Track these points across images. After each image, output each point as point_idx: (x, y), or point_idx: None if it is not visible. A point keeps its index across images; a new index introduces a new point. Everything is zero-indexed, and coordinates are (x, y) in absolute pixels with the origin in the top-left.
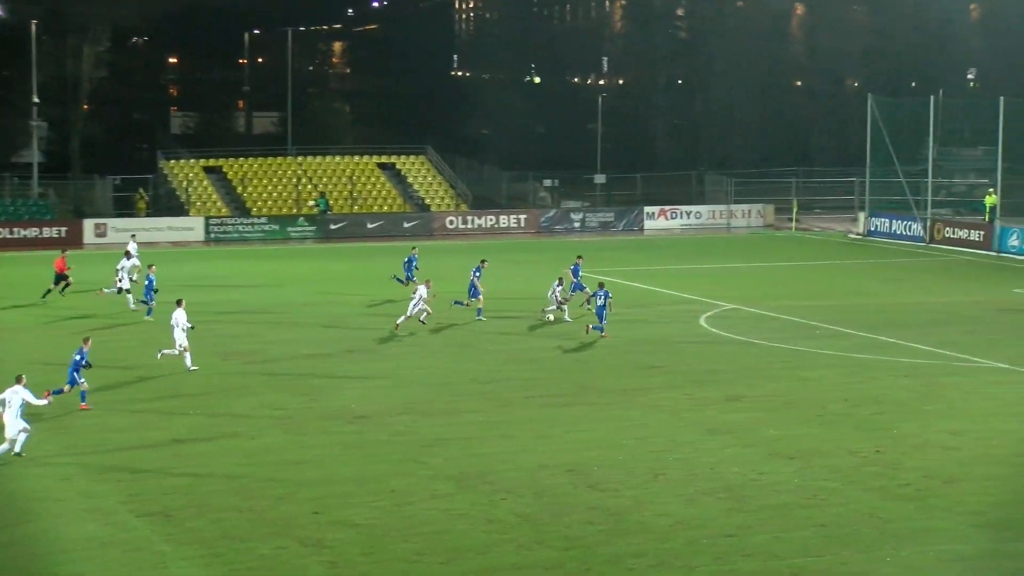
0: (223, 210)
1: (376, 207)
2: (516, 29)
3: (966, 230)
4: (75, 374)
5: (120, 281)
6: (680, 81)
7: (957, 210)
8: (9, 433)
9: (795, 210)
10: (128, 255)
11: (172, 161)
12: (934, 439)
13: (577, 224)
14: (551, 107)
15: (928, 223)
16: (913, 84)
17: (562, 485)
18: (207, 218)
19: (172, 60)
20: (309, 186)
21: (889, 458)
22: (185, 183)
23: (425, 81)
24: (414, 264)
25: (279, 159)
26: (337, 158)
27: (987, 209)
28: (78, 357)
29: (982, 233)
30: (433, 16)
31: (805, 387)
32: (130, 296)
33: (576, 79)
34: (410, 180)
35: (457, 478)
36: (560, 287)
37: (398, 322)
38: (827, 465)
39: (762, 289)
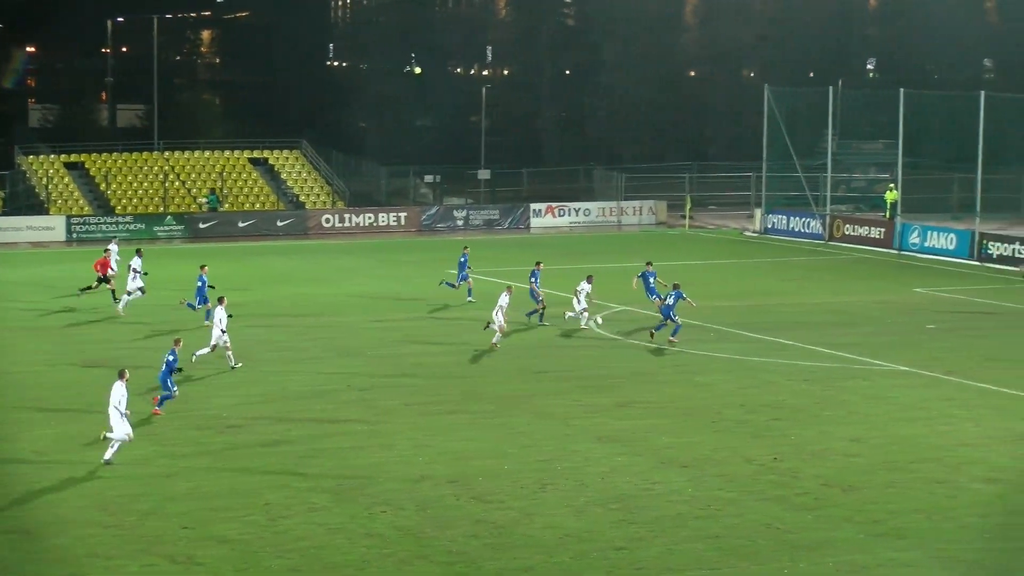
0: (85, 208)
1: (248, 205)
2: (396, 17)
3: (866, 227)
4: (168, 378)
5: (133, 280)
6: (568, 72)
7: (857, 206)
8: (117, 434)
9: (688, 207)
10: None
11: (30, 156)
12: (833, 446)
13: (460, 222)
14: (433, 99)
15: (827, 220)
16: (811, 74)
17: (445, 497)
18: (68, 217)
19: (30, 49)
20: (177, 183)
21: (787, 466)
22: (44, 180)
23: (300, 72)
24: (467, 265)
25: (145, 154)
26: (206, 153)
27: (888, 205)
28: (171, 358)
29: (883, 230)
30: (308, 3)
31: (699, 392)
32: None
33: (459, 70)
34: (284, 176)
35: (335, 490)
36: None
37: (493, 341)
38: (722, 474)
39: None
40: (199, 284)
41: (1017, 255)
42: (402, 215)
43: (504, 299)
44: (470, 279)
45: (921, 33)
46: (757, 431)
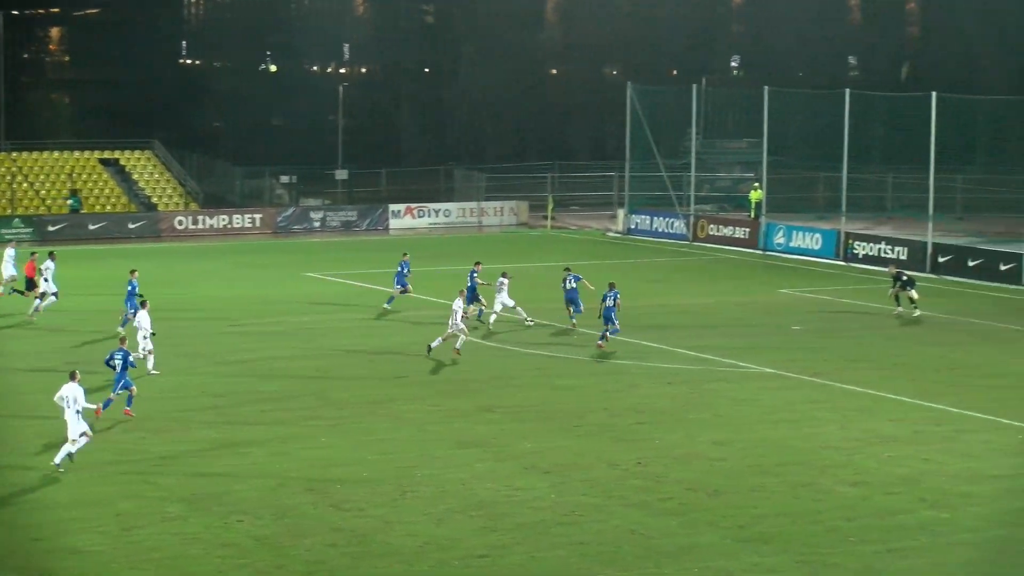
0: None
1: (99, 207)
2: (250, 14)
3: (731, 227)
4: (125, 375)
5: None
6: (427, 69)
7: (721, 206)
8: (71, 433)
9: (551, 207)
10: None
11: None
12: (698, 449)
13: (317, 224)
14: (288, 97)
15: (691, 220)
16: (675, 72)
17: (303, 505)
18: None
19: None
20: (25, 184)
21: (651, 471)
22: None
23: (152, 70)
24: (405, 271)
25: None
26: (55, 154)
27: (752, 205)
28: (129, 356)
29: (747, 230)
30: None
31: (562, 396)
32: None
33: (315, 67)
34: (135, 177)
35: (189, 499)
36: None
37: (432, 345)
38: (586, 479)
39: (515, 292)
40: (129, 289)
41: (883, 255)
42: (257, 217)
43: (458, 303)
44: (409, 286)
45: (785, 30)
46: (621, 435)
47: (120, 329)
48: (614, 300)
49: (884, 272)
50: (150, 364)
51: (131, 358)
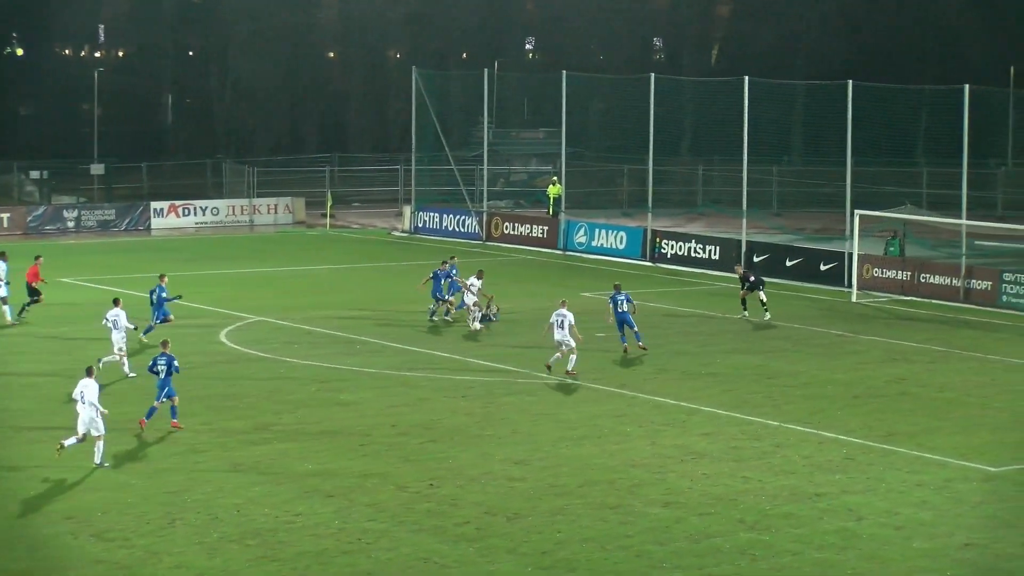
0: None
1: None
2: None
3: (528, 225)
4: (169, 382)
5: None
6: (192, 53)
7: (517, 202)
8: (81, 428)
9: (330, 204)
10: None
11: None
12: (496, 469)
13: (71, 223)
14: (38, 84)
15: (484, 218)
16: (464, 55)
17: (61, 535)
18: None
19: None
20: None
21: (444, 493)
22: None
23: None
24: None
25: None
26: None
27: (551, 201)
28: (174, 362)
29: (546, 228)
30: None
31: (345, 412)
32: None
33: (68, 51)
34: None
35: None
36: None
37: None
38: (372, 503)
39: (293, 298)
40: (156, 297)
41: (694, 254)
42: (4, 216)
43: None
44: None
45: (584, 10)
46: (410, 454)
47: (144, 337)
48: (628, 302)
49: (694, 273)
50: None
51: (175, 364)
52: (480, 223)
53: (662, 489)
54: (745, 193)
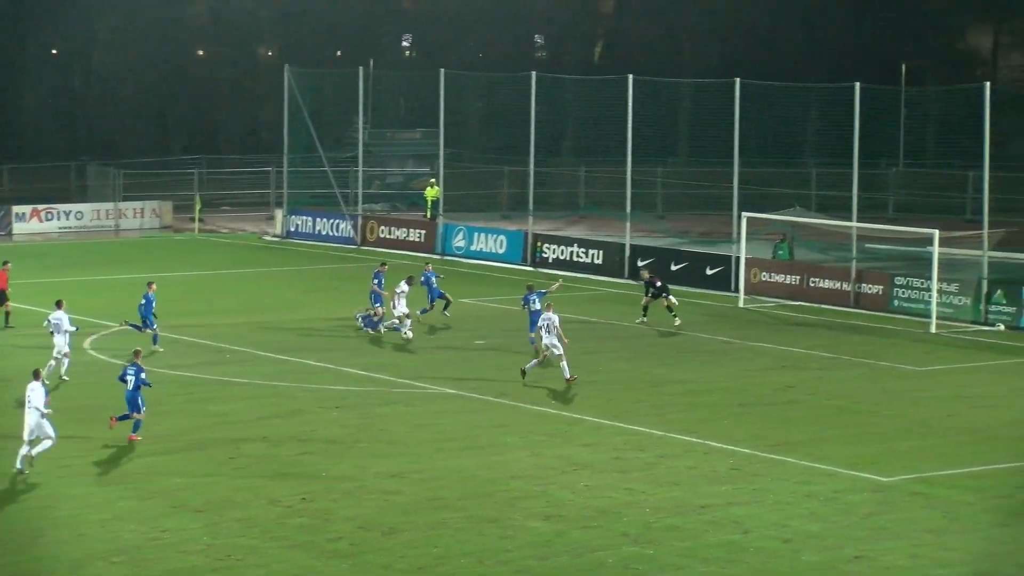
0: None
1: None
2: None
3: (405, 229)
4: (139, 396)
5: None
6: (55, 51)
7: (394, 205)
8: (27, 434)
9: (198, 208)
10: None
11: None
12: (371, 483)
13: None
14: None
15: (359, 221)
16: (339, 53)
17: None
18: None
19: None
20: None
21: (318, 507)
22: None
23: None
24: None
25: None
26: None
27: (428, 204)
28: (142, 375)
29: (423, 232)
30: None
31: (215, 424)
32: None
33: None
34: None
35: None
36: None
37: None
38: (243, 518)
39: (160, 305)
40: (144, 303)
41: (576, 258)
42: None
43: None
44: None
45: (461, 6)
46: (282, 468)
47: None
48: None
49: (576, 278)
50: (64, 368)
51: (143, 376)
52: (355, 227)
53: (543, 502)
54: (629, 195)
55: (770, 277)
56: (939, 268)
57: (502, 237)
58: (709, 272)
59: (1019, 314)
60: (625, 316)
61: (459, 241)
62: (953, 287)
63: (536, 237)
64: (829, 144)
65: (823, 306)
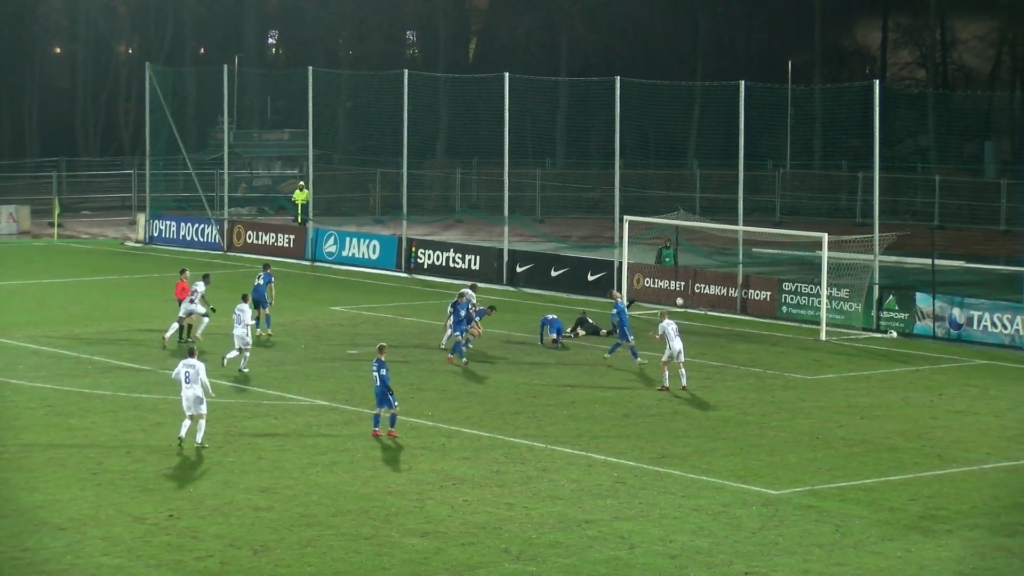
0: None
1: None
2: None
3: (273, 234)
4: (388, 392)
5: None
6: None
7: (261, 208)
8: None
9: (56, 212)
10: None
11: None
12: (239, 499)
13: None
14: None
15: (225, 226)
16: (202, 50)
17: None
18: None
19: None
20: None
21: (184, 525)
22: None
23: None
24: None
25: None
26: None
27: (298, 207)
28: (384, 371)
29: (292, 237)
30: None
31: (76, 438)
32: None
33: None
34: None
35: None
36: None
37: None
38: (106, 536)
39: (17, 315)
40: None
41: (452, 264)
42: None
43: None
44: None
45: (330, 0)
46: (146, 483)
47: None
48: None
49: (453, 284)
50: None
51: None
52: (221, 232)
53: (420, 518)
54: (507, 198)
55: (653, 283)
56: (829, 273)
57: (375, 242)
58: (591, 278)
59: (911, 321)
60: (504, 324)
61: (330, 247)
62: (843, 293)
63: (410, 242)
64: (713, 145)
65: (709, 313)
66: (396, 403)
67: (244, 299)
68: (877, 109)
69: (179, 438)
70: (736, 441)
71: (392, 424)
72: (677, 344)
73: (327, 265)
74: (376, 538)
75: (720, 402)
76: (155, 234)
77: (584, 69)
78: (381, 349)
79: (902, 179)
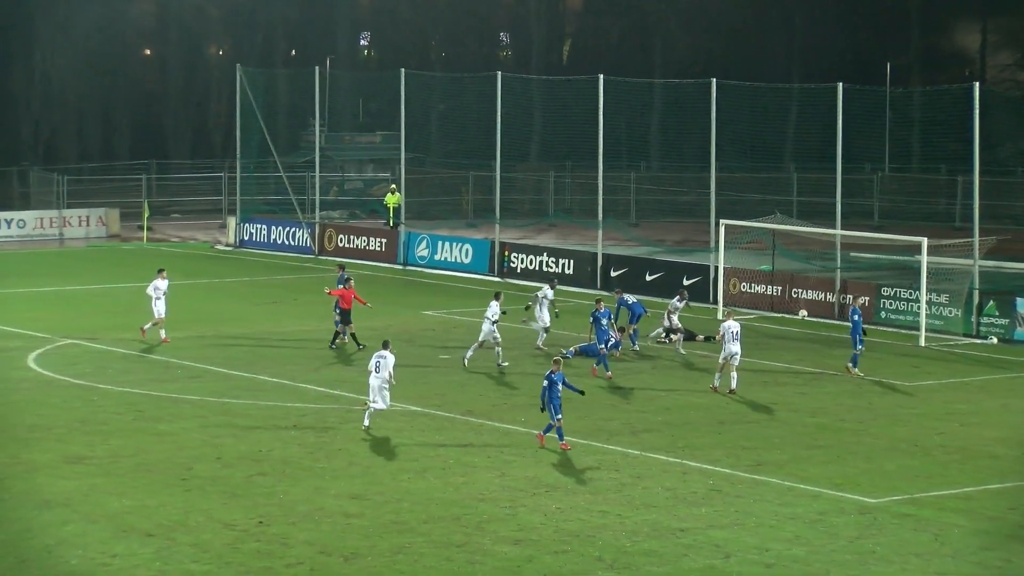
0: None
1: None
2: None
3: (364, 237)
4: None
5: None
6: None
7: (353, 212)
8: (371, 398)
9: (146, 215)
10: None
11: None
12: (330, 505)
13: None
14: None
15: (316, 229)
16: (293, 52)
17: None
18: None
19: None
20: None
21: (274, 531)
22: None
23: None
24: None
25: None
26: None
27: (390, 211)
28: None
29: (384, 241)
30: None
31: (164, 444)
32: None
33: None
34: None
35: None
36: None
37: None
38: (196, 543)
39: (107, 318)
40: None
41: (546, 268)
42: None
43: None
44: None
45: (421, 3)
46: (236, 489)
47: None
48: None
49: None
50: (500, 357)
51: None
52: (312, 235)
53: (512, 525)
54: (600, 201)
55: (750, 288)
56: (928, 278)
57: (467, 246)
58: (686, 282)
59: (1012, 326)
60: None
61: (422, 251)
62: (943, 298)
63: (503, 246)
64: (811, 148)
65: (807, 318)
66: (559, 416)
67: (497, 297)
68: (976, 112)
69: (364, 427)
70: (832, 448)
71: (558, 436)
72: (733, 347)
73: (419, 269)
74: (468, 545)
75: (817, 409)
76: (245, 237)
77: (679, 71)
78: (556, 362)
79: (1002, 183)
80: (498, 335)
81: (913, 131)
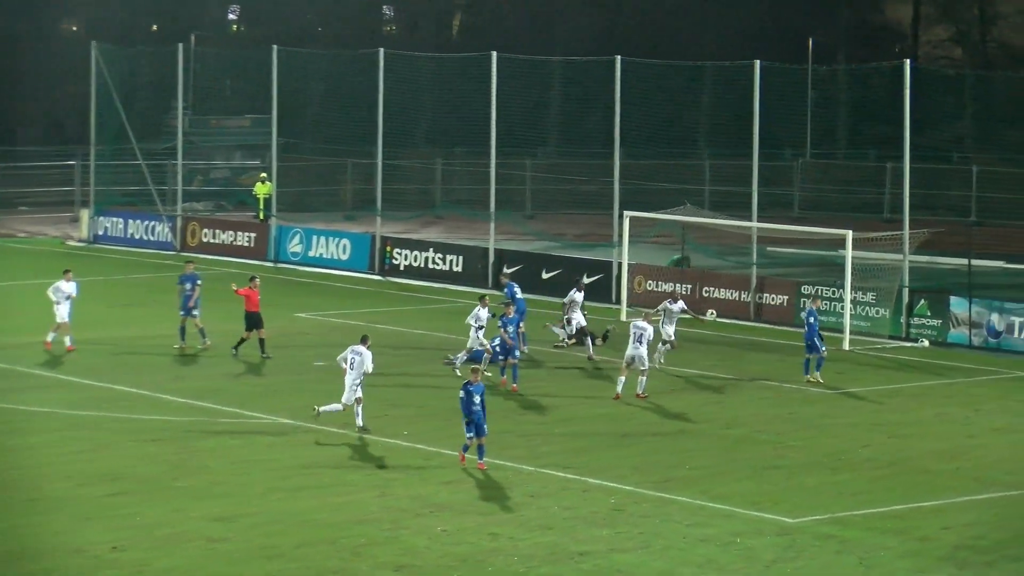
0: None
1: None
2: None
3: (231, 232)
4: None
5: None
6: None
7: (219, 203)
8: (345, 397)
9: None
10: None
11: None
12: (192, 528)
13: None
14: None
15: (179, 223)
16: (154, 27)
17: None
18: None
19: None
20: None
21: (131, 557)
22: None
23: None
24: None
25: None
26: None
27: (260, 203)
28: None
29: (253, 236)
30: None
31: (14, 460)
32: None
33: None
34: None
35: None
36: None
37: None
38: (45, 569)
39: None
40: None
41: (432, 265)
42: None
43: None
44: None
45: None
46: (89, 511)
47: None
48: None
49: (432, 288)
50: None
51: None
52: (173, 230)
53: (394, 549)
54: (493, 192)
55: (657, 286)
56: (853, 275)
57: (345, 241)
58: (586, 280)
59: (945, 328)
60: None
61: (295, 246)
62: (869, 297)
63: (385, 241)
64: (725, 132)
65: (720, 320)
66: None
67: (482, 301)
68: (908, 92)
69: (360, 427)
70: (749, 463)
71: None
72: (635, 350)
73: (292, 267)
74: (345, 572)
75: (732, 419)
76: (100, 232)
77: (581, 48)
78: (475, 372)
79: (936, 170)
80: (485, 341)
81: (839, 113)
